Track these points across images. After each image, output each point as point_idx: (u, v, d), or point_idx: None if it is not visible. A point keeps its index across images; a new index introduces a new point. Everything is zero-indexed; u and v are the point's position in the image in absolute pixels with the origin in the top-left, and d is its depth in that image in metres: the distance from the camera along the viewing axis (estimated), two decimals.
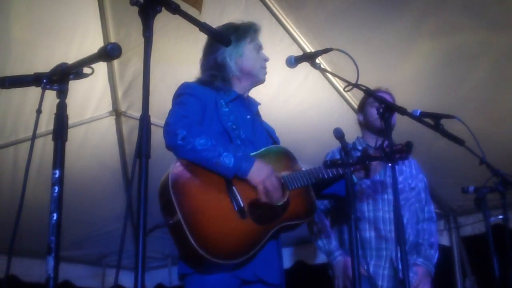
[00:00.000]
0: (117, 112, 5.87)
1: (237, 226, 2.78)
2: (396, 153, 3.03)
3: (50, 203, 1.78)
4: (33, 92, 4.93)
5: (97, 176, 6.34)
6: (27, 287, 6.62)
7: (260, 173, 2.81)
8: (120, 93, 5.73)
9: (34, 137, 1.83)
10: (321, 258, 7.00)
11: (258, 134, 3.17)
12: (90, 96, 5.55)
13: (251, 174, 2.79)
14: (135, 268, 1.78)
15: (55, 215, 1.77)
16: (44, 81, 1.80)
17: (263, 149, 3.06)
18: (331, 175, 3.08)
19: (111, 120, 5.97)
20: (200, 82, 3.16)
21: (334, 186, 3.31)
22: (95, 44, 5.10)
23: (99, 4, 4.99)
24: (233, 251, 2.75)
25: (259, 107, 3.34)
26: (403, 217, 3.78)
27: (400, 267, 3.63)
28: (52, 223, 1.75)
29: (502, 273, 3.31)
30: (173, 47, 5.09)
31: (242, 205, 2.80)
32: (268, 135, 3.27)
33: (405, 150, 3.07)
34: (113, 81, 5.60)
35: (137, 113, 5.83)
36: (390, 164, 3.10)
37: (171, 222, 2.71)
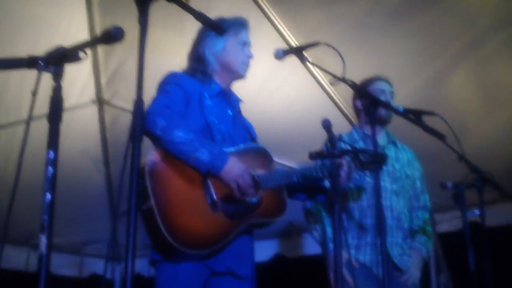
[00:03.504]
0: (100, 101, 5.87)
1: (207, 218, 2.83)
2: (371, 164, 3.11)
3: (44, 183, 1.81)
4: (15, 75, 4.95)
5: (77, 164, 6.33)
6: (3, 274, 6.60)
7: (233, 171, 2.85)
8: (104, 82, 5.73)
9: (29, 119, 1.85)
10: (300, 252, 7.09)
11: (238, 131, 3.22)
12: (74, 84, 5.53)
13: (224, 171, 2.84)
14: (125, 257, 1.81)
15: (48, 194, 1.80)
16: (41, 63, 1.83)
17: (242, 146, 3.11)
18: (300, 180, 3.16)
19: (94, 109, 5.98)
20: (186, 72, 3.20)
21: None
22: (80, 30, 5.11)
23: None
24: (200, 242, 2.80)
25: (240, 103, 3.38)
26: (400, 206, 3.87)
27: (392, 253, 3.74)
28: (45, 202, 1.78)
29: (477, 268, 3.38)
30: (158, 37, 5.09)
31: (214, 198, 2.85)
32: (246, 132, 3.32)
33: (380, 161, 3.13)
34: (97, 70, 5.59)
35: (120, 102, 5.87)
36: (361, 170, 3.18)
37: (143, 208, 2.75)
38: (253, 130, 3.38)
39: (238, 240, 2.97)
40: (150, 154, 2.83)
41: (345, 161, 3.14)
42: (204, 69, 3.18)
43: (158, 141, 2.82)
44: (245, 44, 3.27)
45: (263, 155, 3.18)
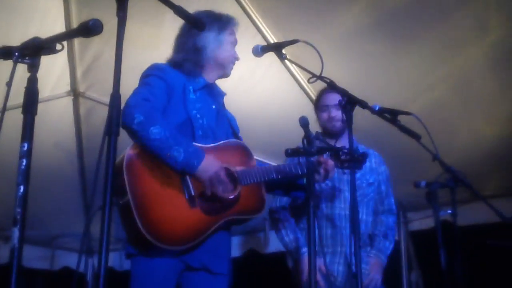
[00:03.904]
0: (75, 93, 5.82)
1: (185, 214, 2.82)
2: (351, 162, 3.14)
3: (18, 176, 1.79)
4: None
5: (51, 156, 6.26)
6: None
7: (207, 169, 2.83)
8: (79, 74, 5.68)
9: (4, 110, 1.83)
10: (272, 247, 7.09)
11: (220, 125, 3.21)
12: (49, 75, 5.49)
13: (198, 171, 2.81)
14: (99, 250, 1.81)
15: (22, 187, 1.78)
16: (16, 54, 1.80)
17: (222, 142, 3.10)
18: (279, 177, 3.16)
19: (69, 100, 5.92)
20: (171, 63, 3.14)
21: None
22: (56, 22, 5.06)
23: None
24: (177, 238, 2.80)
25: (225, 97, 3.36)
26: (359, 214, 3.90)
27: (353, 261, 3.78)
28: (19, 195, 1.76)
29: (448, 267, 3.42)
30: (136, 30, 5.06)
31: (193, 194, 2.84)
32: (229, 125, 3.30)
33: (360, 160, 3.16)
34: (72, 61, 5.54)
35: (95, 94, 5.83)
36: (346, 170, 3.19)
37: (120, 202, 2.75)
38: (235, 122, 3.37)
39: (215, 236, 2.96)
40: (129, 148, 2.81)
41: (324, 158, 3.16)
42: (199, 60, 3.14)
43: (134, 136, 2.79)
44: (236, 44, 3.27)
45: (243, 151, 3.17)
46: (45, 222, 7.07)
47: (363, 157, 3.12)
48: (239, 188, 2.98)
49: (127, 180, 2.73)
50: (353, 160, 2.97)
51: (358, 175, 3.89)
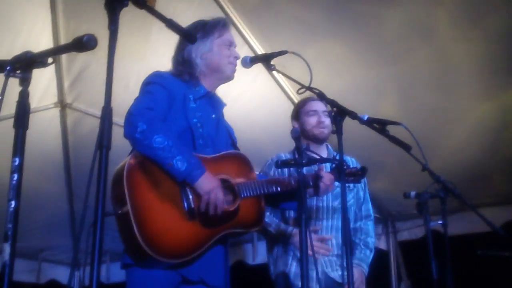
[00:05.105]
0: (62, 104, 5.80)
1: (184, 227, 2.79)
2: (350, 176, 3.15)
3: (9, 191, 1.78)
4: None
5: (37, 168, 6.21)
6: None
7: (207, 184, 2.81)
8: (66, 85, 5.66)
9: None
10: (260, 259, 7.06)
11: (220, 135, 3.18)
12: (36, 86, 5.44)
13: (198, 183, 2.79)
14: (90, 263, 1.79)
15: (13, 202, 1.77)
16: (8, 68, 1.79)
17: (223, 153, 3.07)
18: (279, 190, 3.13)
19: (56, 112, 5.90)
20: (172, 73, 3.13)
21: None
22: (43, 35, 5.04)
23: None
24: (175, 251, 2.76)
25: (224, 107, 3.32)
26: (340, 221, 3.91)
27: (327, 269, 3.77)
28: (10, 210, 1.74)
29: (439, 276, 3.42)
30: (123, 42, 5.03)
31: (192, 206, 2.81)
32: (228, 136, 3.28)
33: (360, 174, 3.16)
34: (59, 73, 5.52)
35: (82, 105, 5.82)
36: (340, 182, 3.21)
37: (119, 212, 2.71)
38: (233, 133, 3.34)
39: (212, 249, 2.92)
40: (130, 157, 2.79)
41: (325, 172, 3.15)
42: (192, 71, 3.11)
43: (137, 144, 2.78)
44: (231, 44, 3.22)
45: (243, 163, 3.14)
46: (31, 234, 7.01)
47: (363, 171, 3.11)
48: (238, 200, 2.96)
49: (127, 191, 2.69)
50: (353, 174, 2.96)
51: (336, 183, 3.88)
